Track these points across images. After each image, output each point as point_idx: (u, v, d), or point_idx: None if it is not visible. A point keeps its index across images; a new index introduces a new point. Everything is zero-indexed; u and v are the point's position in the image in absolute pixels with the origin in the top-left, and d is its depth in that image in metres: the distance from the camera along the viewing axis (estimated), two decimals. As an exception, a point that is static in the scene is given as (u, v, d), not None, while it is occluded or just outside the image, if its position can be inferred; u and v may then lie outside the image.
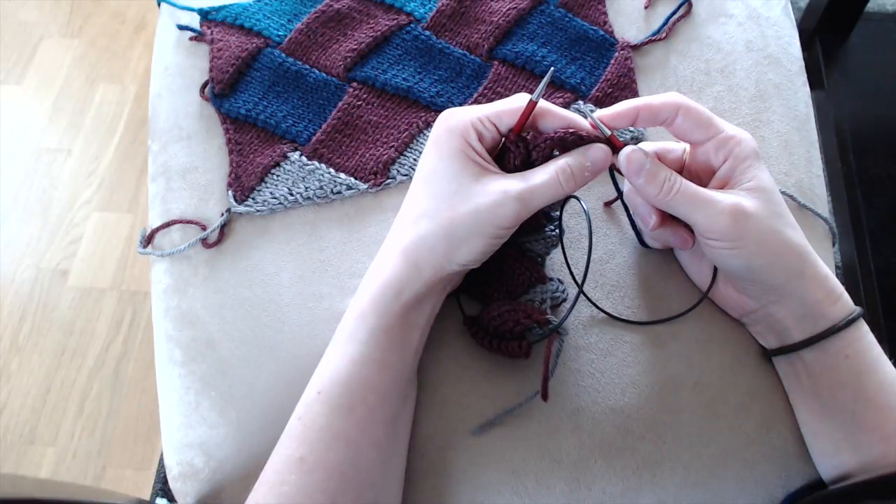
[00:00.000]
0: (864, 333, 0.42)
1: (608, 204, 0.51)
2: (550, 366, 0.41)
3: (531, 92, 0.41)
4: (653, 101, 0.42)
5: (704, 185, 0.43)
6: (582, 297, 0.47)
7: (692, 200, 0.40)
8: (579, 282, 0.43)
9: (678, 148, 0.45)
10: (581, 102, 0.54)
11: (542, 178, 0.40)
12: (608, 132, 0.41)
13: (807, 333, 0.42)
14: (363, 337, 0.41)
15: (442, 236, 0.40)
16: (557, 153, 0.41)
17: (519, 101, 0.41)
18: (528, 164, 0.41)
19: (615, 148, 0.42)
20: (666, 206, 0.41)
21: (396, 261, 0.41)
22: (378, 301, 0.41)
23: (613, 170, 0.46)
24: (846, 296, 0.43)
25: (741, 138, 0.42)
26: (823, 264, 0.43)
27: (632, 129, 0.52)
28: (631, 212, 0.48)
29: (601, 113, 0.42)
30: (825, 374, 0.42)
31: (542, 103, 0.41)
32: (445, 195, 0.40)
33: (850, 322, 0.41)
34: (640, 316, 0.47)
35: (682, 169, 0.45)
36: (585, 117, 0.42)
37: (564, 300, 0.46)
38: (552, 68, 0.42)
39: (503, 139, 0.42)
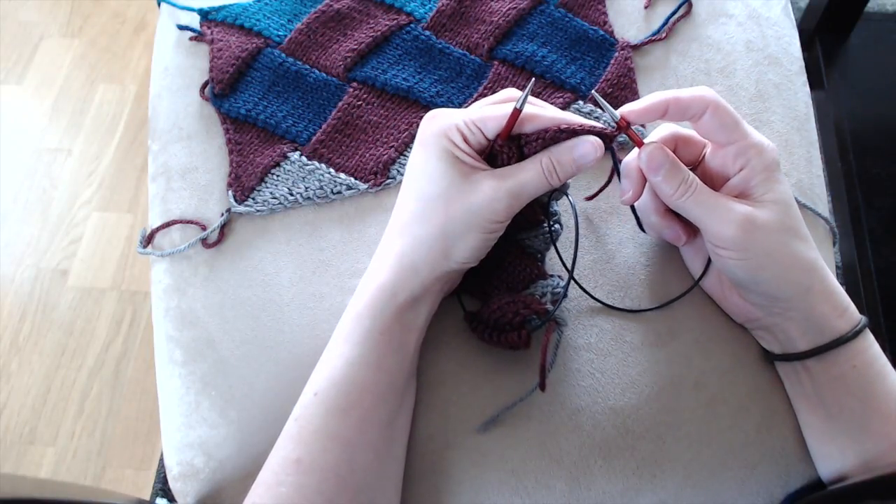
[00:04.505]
0: (870, 343, 0.42)
1: (593, 196, 0.51)
2: (550, 357, 0.41)
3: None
4: (683, 95, 0.41)
5: (717, 188, 0.43)
6: (584, 294, 0.47)
7: (705, 205, 0.40)
8: (570, 269, 0.43)
9: (701, 141, 0.45)
10: (581, 102, 0.54)
11: (530, 172, 0.40)
12: (617, 116, 0.42)
13: (812, 344, 0.42)
14: (359, 338, 0.41)
15: (437, 236, 0.40)
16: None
17: (504, 106, 0.40)
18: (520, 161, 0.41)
19: (635, 143, 0.42)
20: (678, 206, 0.41)
21: (392, 263, 0.41)
22: (374, 303, 0.41)
23: (614, 153, 0.45)
24: (852, 307, 0.42)
25: (762, 148, 0.41)
26: (832, 277, 0.42)
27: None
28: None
29: (629, 107, 0.42)
30: (831, 384, 0.42)
31: (528, 109, 0.40)
32: (436, 195, 0.40)
33: (856, 334, 0.41)
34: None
35: (699, 165, 0.45)
36: (588, 116, 0.42)
37: (565, 296, 0.46)
38: (532, 80, 0.42)
39: (492, 144, 0.42)
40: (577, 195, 0.51)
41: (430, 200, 0.40)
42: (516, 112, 0.40)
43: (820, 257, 0.42)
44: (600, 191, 0.50)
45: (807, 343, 0.42)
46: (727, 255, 0.40)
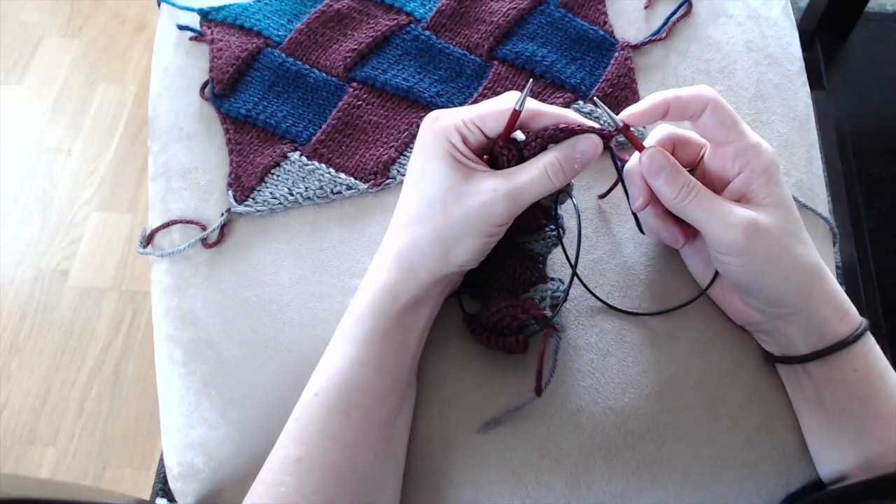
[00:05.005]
0: (871, 346, 0.42)
1: (605, 194, 0.51)
2: (549, 363, 0.41)
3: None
4: (682, 94, 0.41)
5: (717, 191, 0.42)
6: (584, 293, 0.47)
7: (707, 209, 0.40)
8: (573, 270, 0.43)
9: (699, 143, 0.44)
10: (581, 102, 0.54)
11: (531, 174, 0.39)
12: (619, 123, 0.41)
13: (813, 347, 0.42)
14: (360, 339, 0.41)
15: (435, 240, 0.40)
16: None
17: (504, 102, 0.40)
18: (521, 163, 0.41)
19: (636, 147, 0.42)
20: (680, 210, 0.41)
21: (391, 265, 0.41)
22: (375, 304, 0.41)
23: (613, 152, 0.45)
24: (853, 310, 0.42)
25: (761, 149, 0.41)
26: (833, 280, 0.42)
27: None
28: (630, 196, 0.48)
29: (631, 110, 0.42)
30: (832, 387, 0.42)
31: (529, 104, 0.40)
32: (435, 198, 0.40)
33: (857, 337, 0.41)
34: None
35: (697, 166, 0.45)
36: (588, 115, 0.41)
37: (565, 300, 0.46)
38: (531, 80, 0.42)
39: (493, 144, 0.41)
40: (578, 195, 0.51)
41: (429, 203, 0.40)
42: (515, 113, 0.40)
43: (821, 261, 0.42)
44: (612, 188, 0.50)
45: (807, 346, 0.42)
46: (729, 259, 0.40)
